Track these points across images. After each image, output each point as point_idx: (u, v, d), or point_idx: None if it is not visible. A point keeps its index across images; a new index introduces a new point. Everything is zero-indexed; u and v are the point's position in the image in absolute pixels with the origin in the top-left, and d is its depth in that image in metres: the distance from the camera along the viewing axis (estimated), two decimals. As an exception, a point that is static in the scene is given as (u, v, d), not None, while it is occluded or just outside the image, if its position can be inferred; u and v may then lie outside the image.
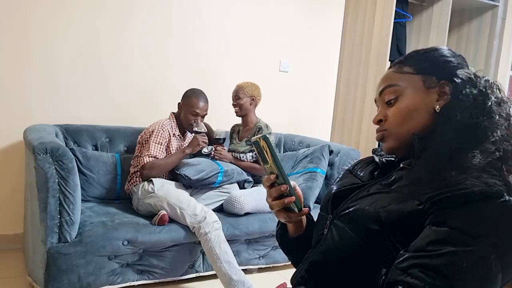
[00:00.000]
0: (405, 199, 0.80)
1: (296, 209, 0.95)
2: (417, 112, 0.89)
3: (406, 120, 0.90)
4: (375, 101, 0.99)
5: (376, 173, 1.00)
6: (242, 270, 2.22)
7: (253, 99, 2.78)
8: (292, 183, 0.94)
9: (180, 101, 2.65)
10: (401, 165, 0.95)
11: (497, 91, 0.87)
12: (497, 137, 0.80)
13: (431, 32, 3.59)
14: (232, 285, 2.13)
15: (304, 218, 1.05)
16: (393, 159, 1.01)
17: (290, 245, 1.09)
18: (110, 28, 2.77)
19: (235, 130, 2.95)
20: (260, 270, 2.60)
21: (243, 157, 2.76)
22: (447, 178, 0.76)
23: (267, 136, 0.89)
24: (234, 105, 2.78)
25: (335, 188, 1.03)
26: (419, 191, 0.78)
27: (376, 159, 1.02)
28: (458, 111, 0.84)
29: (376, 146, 3.37)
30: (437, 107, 0.88)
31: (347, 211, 0.90)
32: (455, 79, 0.88)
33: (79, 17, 2.67)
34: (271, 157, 0.89)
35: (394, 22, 3.35)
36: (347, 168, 1.12)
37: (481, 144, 0.80)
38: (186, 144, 2.65)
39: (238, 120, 2.91)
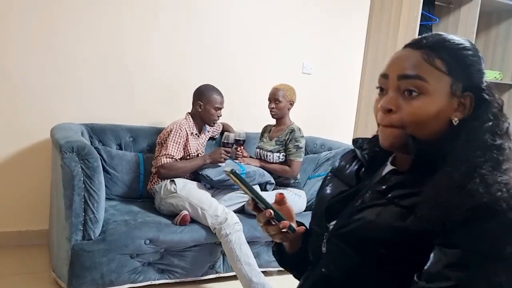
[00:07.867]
0: (410, 216, 0.75)
1: (289, 231, 0.94)
2: (436, 119, 0.80)
3: (424, 124, 0.79)
4: (384, 77, 0.84)
5: (361, 172, 0.94)
6: (262, 272, 2.22)
7: (291, 103, 2.81)
8: (283, 195, 1.03)
9: (196, 99, 2.66)
10: (390, 166, 0.89)
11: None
12: None
13: (458, 35, 3.51)
14: (252, 287, 2.13)
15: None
16: (377, 150, 0.92)
17: (290, 261, 1.07)
18: (133, 30, 2.80)
19: (266, 129, 2.97)
20: (280, 272, 2.59)
21: (269, 156, 2.76)
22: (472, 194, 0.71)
23: (235, 170, 0.91)
24: (272, 108, 2.78)
25: (325, 197, 0.97)
26: (444, 215, 0.71)
27: (359, 154, 0.96)
28: (479, 129, 0.79)
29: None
30: (455, 119, 0.80)
31: (345, 229, 0.84)
32: (483, 94, 0.81)
33: (102, 18, 2.71)
34: (244, 187, 0.92)
35: (420, 25, 3.29)
36: (330, 170, 1.07)
37: (503, 165, 0.75)
38: (202, 141, 2.74)
39: (269, 121, 2.92)
